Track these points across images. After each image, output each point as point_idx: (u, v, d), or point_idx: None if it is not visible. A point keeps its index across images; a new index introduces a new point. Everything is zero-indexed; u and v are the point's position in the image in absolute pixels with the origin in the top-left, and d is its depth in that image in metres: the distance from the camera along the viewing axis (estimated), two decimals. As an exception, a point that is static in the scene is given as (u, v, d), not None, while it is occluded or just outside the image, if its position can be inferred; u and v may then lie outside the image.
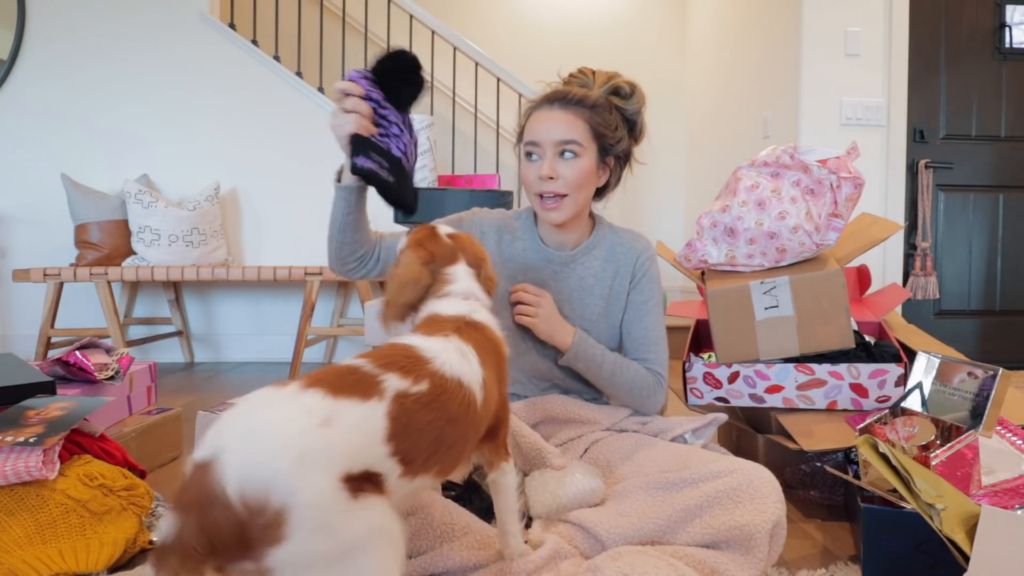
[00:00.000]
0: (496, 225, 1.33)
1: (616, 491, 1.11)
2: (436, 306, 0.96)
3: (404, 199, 1.13)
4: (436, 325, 0.91)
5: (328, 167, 3.40)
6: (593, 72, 1.27)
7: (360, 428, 0.69)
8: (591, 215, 1.37)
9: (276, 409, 0.67)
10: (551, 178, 1.20)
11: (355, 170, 1.08)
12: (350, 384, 0.72)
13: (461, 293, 0.98)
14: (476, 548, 0.98)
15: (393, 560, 0.68)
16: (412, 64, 1.12)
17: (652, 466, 1.13)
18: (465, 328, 0.91)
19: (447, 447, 0.80)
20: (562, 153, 1.20)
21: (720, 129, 3.96)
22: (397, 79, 1.11)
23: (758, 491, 0.98)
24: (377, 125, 1.10)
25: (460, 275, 1.00)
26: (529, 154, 1.23)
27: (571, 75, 1.29)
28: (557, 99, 1.22)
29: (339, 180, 1.15)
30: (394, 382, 0.75)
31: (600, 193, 1.32)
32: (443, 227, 1.05)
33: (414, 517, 1.00)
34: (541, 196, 1.23)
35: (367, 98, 1.09)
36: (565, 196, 1.21)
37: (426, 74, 1.14)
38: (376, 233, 1.25)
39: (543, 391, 1.33)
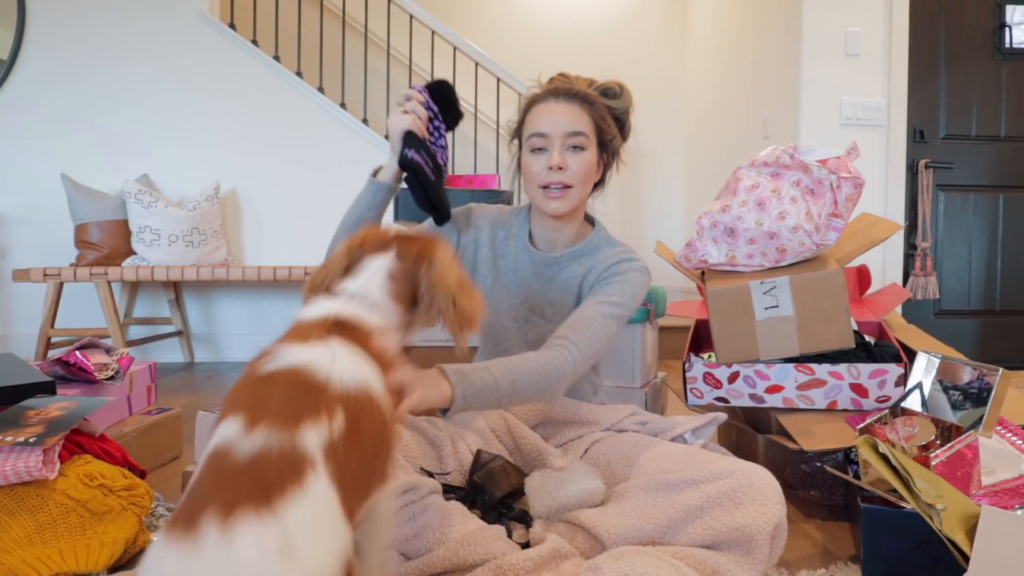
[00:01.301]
0: (491, 220, 1.33)
1: (616, 491, 1.11)
2: (305, 310, 0.80)
3: (441, 203, 1.19)
4: (300, 332, 0.75)
5: (328, 168, 3.40)
6: (575, 77, 1.28)
7: (320, 523, 0.57)
8: (592, 221, 1.36)
9: (222, 560, 0.51)
10: (560, 168, 1.19)
11: (404, 161, 1.14)
12: (277, 478, 0.56)
13: (350, 291, 0.83)
14: (474, 547, 0.98)
15: None
16: (454, 95, 1.24)
17: (652, 466, 1.12)
18: (335, 329, 0.75)
19: (378, 471, 0.70)
20: (571, 146, 1.20)
21: (720, 129, 3.96)
22: (447, 101, 1.22)
23: (759, 492, 0.98)
24: (430, 133, 1.19)
25: (370, 270, 0.86)
26: (535, 146, 1.22)
27: (552, 79, 1.29)
28: (562, 93, 1.22)
29: (374, 175, 1.20)
30: (313, 437, 0.60)
31: (593, 189, 1.31)
32: (415, 228, 0.98)
33: (414, 519, 1.00)
34: (546, 187, 1.21)
35: (426, 107, 1.18)
36: (571, 187, 1.21)
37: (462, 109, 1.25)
38: None
39: None
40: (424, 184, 1.15)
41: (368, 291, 0.84)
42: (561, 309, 1.29)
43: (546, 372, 1.07)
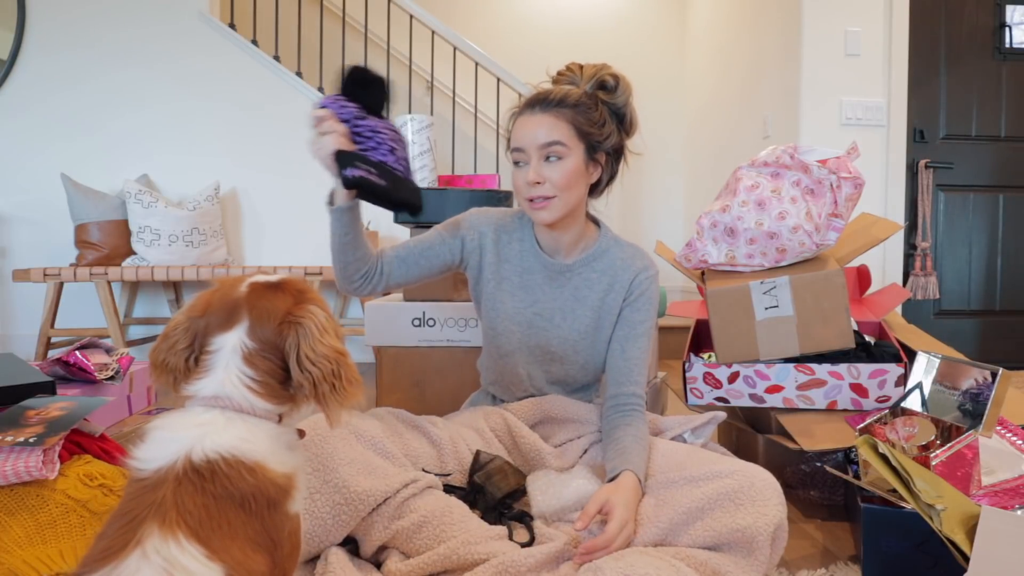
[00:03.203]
0: (494, 225, 1.32)
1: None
2: (153, 437, 0.66)
3: (404, 200, 1.15)
4: (138, 496, 0.62)
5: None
6: (581, 67, 1.25)
7: None
8: (596, 223, 1.34)
9: None
10: (538, 183, 1.18)
11: (347, 182, 1.10)
12: None
13: (208, 397, 0.69)
14: (475, 546, 0.98)
15: None
16: (367, 73, 1.17)
17: (652, 466, 1.12)
18: (180, 486, 0.62)
19: None
20: (547, 156, 1.18)
21: (720, 129, 3.96)
22: (361, 88, 1.16)
23: (760, 493, 0.98)
24: (355, 141, 1.13)
25: (221, 357, 0.69)
26: (516, 160, 1.21)
27: (559, 73, 1.27)
28: (538, 103, 1.20)
29: (331, 203, 1.16)
30: None
31: (595, 189, 1.29)
32: (266, 276, 0.75)
33: (414, 511, 1.00)
34: (531, 200, 1.20)
35: (341, 118, 1.13)
36: (553, 198, 1.19)
37: (382, 75, 1.18)
38: (377, 249, 1.25)
39: (518, 398, 1.33)
40: (377, 192, 1.12)
41: (228, 392, 0.68)
42: (570, 315, 1.28)
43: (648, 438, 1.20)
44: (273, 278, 0.75)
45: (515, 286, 1.29)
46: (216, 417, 0.67)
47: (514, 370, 1.31)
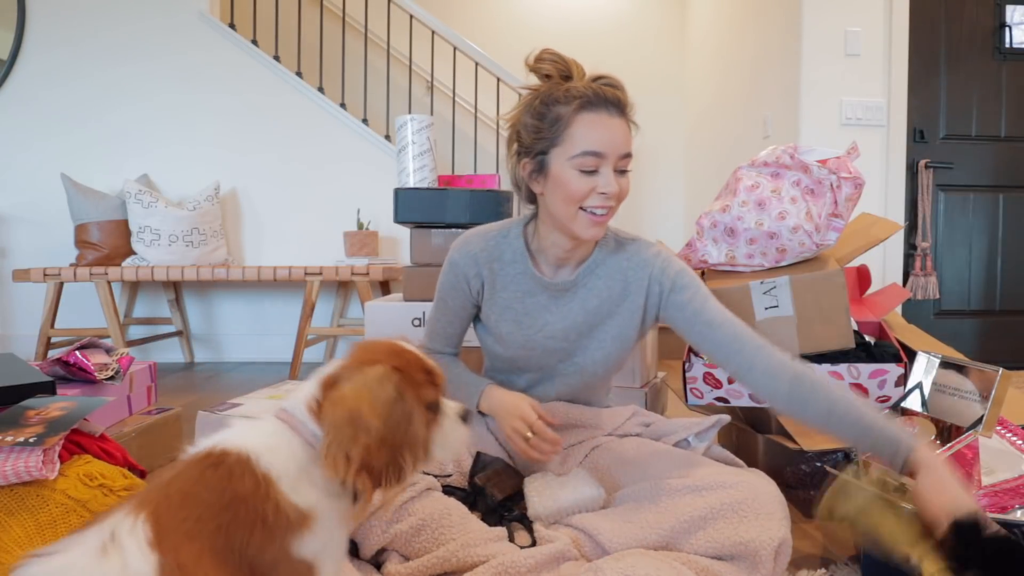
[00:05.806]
0: (486, 256, 1.22)
1: (619, 497, 1.11)
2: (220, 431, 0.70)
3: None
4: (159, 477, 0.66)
5: (328, 167, 3.39)
6: (564, 59, 1.12)
7: None
8: None
9: None
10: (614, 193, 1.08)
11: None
12: None
13: (280, 409, 0.72)
14: (475, 548, 0.98)
15: None
16: None
17: (655, 472, 1.12)
18: (187, 469, 0.64)
19: None
20: (620, 169, 1.09)
21: (720, 129, 3.96)
22: None
23: (764, 507, 0.98)
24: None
25: (311, 380, 0.73)
26: (586, 167, 1.06)
27: (539, 59, 1.12)
28: (614, 105, 1.07)
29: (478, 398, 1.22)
30: None
31: None
32: (415, 348, 0.78)
33: (413, 514, 1.00)
34: (584, 208, 1.08)
35: None
36: (613, 208, 1.10)
37: None
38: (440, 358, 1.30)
39: None
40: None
41: (292, 408, 0.71)
42: (585, 330, 1.22)
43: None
44: (414, 348, 0.77)
45: (519, 313, 1.22)
46: (267, 423, 0.70)
47: (512, 387, 1.26)
